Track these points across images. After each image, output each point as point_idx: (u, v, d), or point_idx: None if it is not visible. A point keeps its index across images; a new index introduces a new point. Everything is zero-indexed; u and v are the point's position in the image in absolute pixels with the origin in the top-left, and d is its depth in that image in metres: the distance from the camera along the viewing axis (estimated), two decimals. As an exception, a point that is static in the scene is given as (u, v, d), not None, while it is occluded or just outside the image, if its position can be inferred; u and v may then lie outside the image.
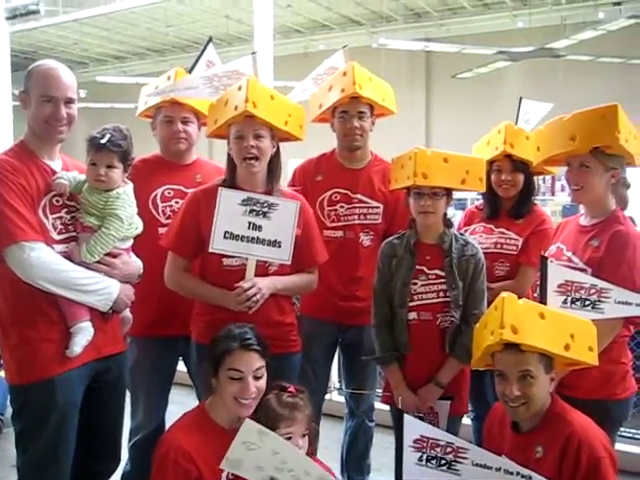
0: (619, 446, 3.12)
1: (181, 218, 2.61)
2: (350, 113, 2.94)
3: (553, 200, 11.57)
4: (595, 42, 9.77)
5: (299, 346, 2.74)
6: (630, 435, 3.95)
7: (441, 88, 13.63)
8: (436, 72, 13.82)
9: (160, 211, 2.84)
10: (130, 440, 2.92)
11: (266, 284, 2.48)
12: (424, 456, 2.19)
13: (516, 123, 3.18)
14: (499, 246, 3.03)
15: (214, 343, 2.28)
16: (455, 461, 2.15)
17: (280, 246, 2.48)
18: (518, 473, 2.07)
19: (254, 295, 2.43)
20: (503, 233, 3.04)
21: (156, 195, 2.85)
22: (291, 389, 2.31)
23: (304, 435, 2.23)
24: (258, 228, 2.46)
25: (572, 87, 10.90)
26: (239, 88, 2.51)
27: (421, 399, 2.63)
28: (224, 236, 2.44)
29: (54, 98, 2.31)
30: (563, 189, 11.38)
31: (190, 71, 3.00)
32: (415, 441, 2.19)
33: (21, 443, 2.35)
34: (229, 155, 2.58)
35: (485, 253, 2.95)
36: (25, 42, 13.57)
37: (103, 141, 2.32)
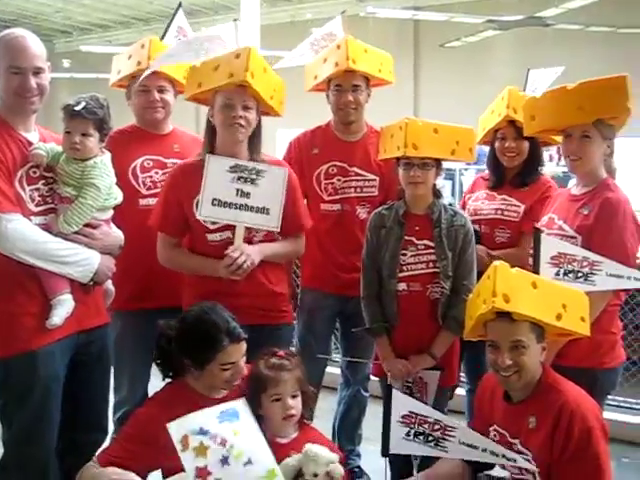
0: (607, 414, 3.12)
1: (163, 197, 2.59)
2: (344, 87, 2.92)
3: (542, 167, 11.56)
4: (584, 11, 9.67)
5: (290, 317, 2.74)
6: (617, 404, 3.97)
7: (429, 57, 13.50)
8: (424, 41, 13.67)
9: (140, 182, 2.80)
10: (114, 414, 2.91)
11: (254, 250, 2.47)
12: (412, 431, 2.21)
13: (524, 91, 3.12)
14: (500, 212, 2.98)
15: (197, 335, 2.18)
16: (443, 438, 2.17)
17: (268, 213, 2.48)
18: (503, 456, 2.10)
19: (244, 262, 2.41)
20: (505, 200, 2.99)
21: (135, 166, 2.80)
22: (280, 353, 2.30)
23: (294, 396, 2.22)
24: (246, 195, 2.46)
25: (562, 56, 10.70)
26: (237, 56, 2.45)
27: (412, 364, 2.62)
28: (212, 203, 2.43)
29: (22, 69, 2.25)
30: (551, 159, 11.33)
31: (162, 39, 2.96)
32: (403, 417, 2.21)
33: (5, 417, 2.35)
34: (209, 122, 2.53)
35: (485, 219, 2.94)
36: (6, 10, 13.31)
37: (77, 108, 2.28)
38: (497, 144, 3.02)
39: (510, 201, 2.98)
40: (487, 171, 3.19)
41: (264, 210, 2.47)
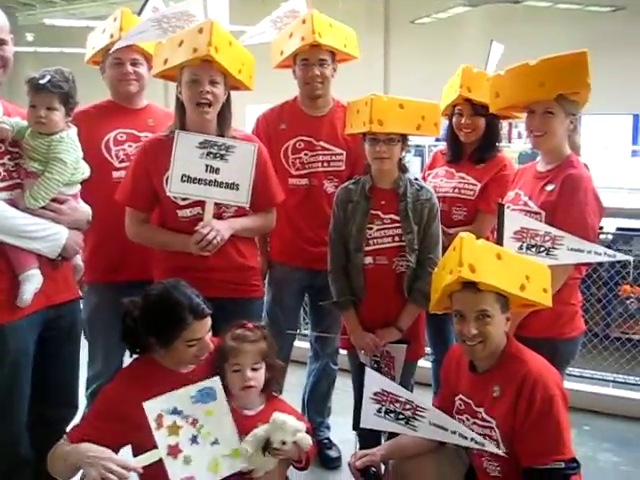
0: (569, 385, 3.21)
1: (132, 171, 2.58)
2: (311, 61, 2.93)
3: (509, 147, 11.66)
4: (554, -13, 9.75)
5: (261, 292, 2.77)
6: (578, 374, 4.09)
7: (400, 33, 13.48)
8: (395, 17, 13.64)
9: (113, 154, 2.79)
10: (88, 388, 2.92)
11: (224, 226, 2.48)
12: (383, 408, 2.25)
13: (486, 67, 3.16)
14: (457, 190, 3.02)
15: (161, 314, 2.18)
16: (413, 418, 2.21)
17: (238, 189, 2.48)
18: (472, 439, 2.14)
19: (214, 238, 2.41)
20: (463, 178, 3.03)
21: (109, 139, 2.79)
22: (248, 325, 2.31)
23: (255, 369, 2.23)
24: (216, 171, 2.45)
25: (532, 33, 10.88)
26: (200, 30, 2.42)
27: (378, 338, 2.67)
28: (181, 179, 2.42)
29: None
30: (520, 136, 11.44)
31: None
32: (376, 394, 2.24)
33: (-25, 392, 2.34)
34: (178, 99, 2.52)
35: (444, 197, 2.98)
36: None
37: (42, 82, 2.24)
38: (454, 120, 3.06)
39: (467, 179, 3.02)
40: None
41: (234, 186, 2.47)
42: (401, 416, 2.22)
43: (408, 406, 2.19)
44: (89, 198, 2.49)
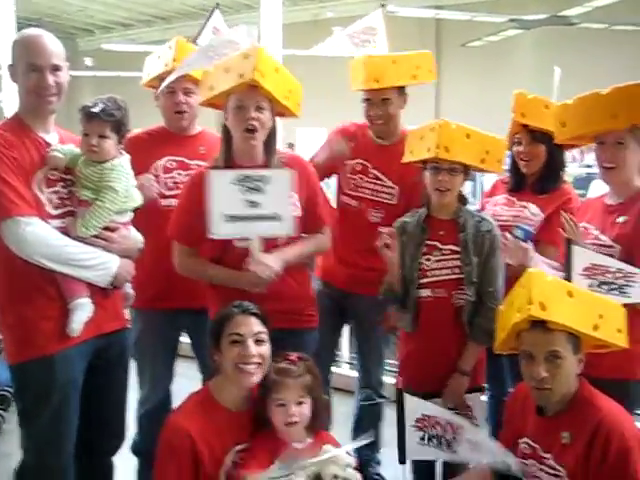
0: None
1: (181, 206, 2.54)
2: (373, 100, 2.94)
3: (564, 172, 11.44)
4: (609, 9, 9.53)
5: (316, 322, 2.68)
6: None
7: (451, 56, 13.42)
8: (446, 40, 13.61)
9: (162, 182, 2.77)
10: (138, 411, 2.92)
11: (275, 259, 2.39)
12: (426, 435, 2.20)
13: (553, 96, 3.04)
14: (517, 219, 2.89)
15: (215, 318, 2.27)
16: (454, 439, 2.16)
17: (281, 219, 2.37)
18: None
19: (264, 274, 2.34)
20: (524, 207, 2.90)
21: (158, 166, 2.79)
22: (292, 357, 2.24)
23: (300, 403, 2.16)
24: (256, 205, 2.35)
25: (586, 56, 10.70)
26: (246, 56, 2.39)
27: (452, 393, 2.54)
28: (224, 220, 2.32)
29: (39, 66, 2.22)
30: (575, 159, 11.19)
31: (195, 40, 2.96)
32: (417, 420, 2.19)
33: (23, 422, 2.33)
34: (225, 126, 2.47)
35: (502, 225, 2.86)
36: (30, 9, 13.35)
37: (95, 110, 2.24)
38: (514, 148, 2.94)
39: (529, 209, 2.90)
40: (508, 174, 3.09)
41: (276, 217, 2.36)
42: (443, 440, 2.16)
43: (449, 427, 2.14)
44: (137, 225, 2.47)
